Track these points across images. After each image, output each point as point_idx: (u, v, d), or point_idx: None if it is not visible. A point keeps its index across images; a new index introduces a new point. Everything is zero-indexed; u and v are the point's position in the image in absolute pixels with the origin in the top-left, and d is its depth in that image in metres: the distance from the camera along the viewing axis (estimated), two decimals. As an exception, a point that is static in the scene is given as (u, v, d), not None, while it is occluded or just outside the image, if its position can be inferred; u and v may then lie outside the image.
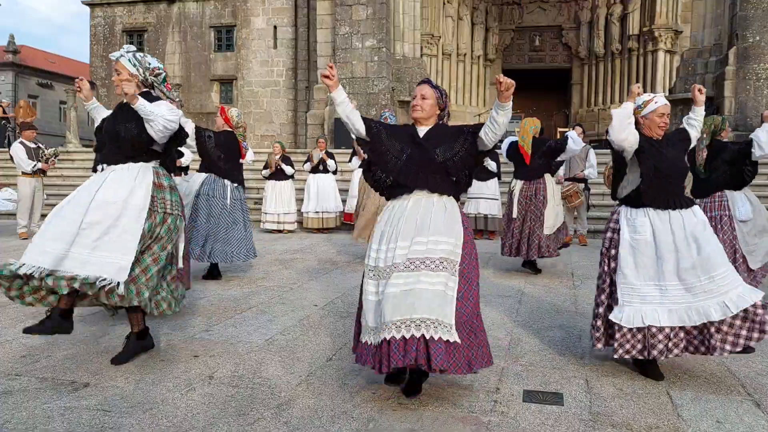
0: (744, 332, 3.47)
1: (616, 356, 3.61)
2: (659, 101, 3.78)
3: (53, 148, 10.54)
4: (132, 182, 3.69)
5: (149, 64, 3.88)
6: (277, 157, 11.17)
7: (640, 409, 3.18)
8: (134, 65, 3.82)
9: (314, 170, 11.44)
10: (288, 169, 11.21)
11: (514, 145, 7.01)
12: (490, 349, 3.33)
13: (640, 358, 3.62)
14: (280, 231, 11.27)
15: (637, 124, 3.71)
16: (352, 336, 4.20)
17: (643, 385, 3.51)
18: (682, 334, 3.59)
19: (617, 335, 3.60)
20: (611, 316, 3.66)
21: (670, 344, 3.55)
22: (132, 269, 3.56)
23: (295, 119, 21.65)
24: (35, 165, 9.83)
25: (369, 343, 3.16)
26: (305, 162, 11.76)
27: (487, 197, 10.45)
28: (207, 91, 23.51)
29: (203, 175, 6.44)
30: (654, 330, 3.54)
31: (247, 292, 5.99)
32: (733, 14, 15.01)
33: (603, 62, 21.87)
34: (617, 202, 3.94)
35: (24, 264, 3.55)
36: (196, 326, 4.66)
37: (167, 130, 3.74)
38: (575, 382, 3.56)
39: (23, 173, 9.93)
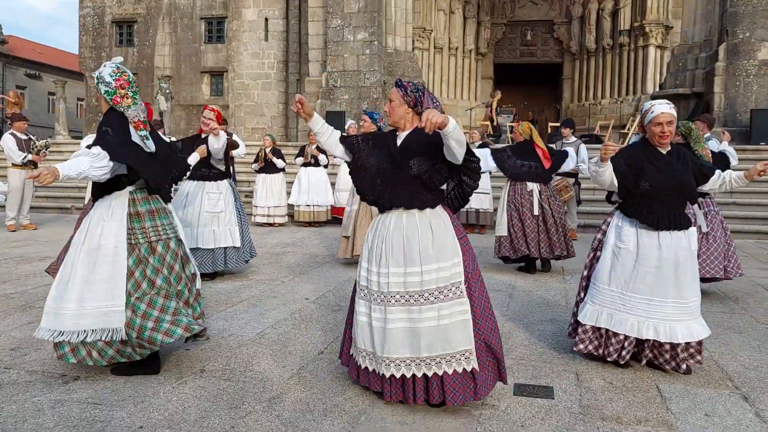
0: (680, 357, 3.60)
1: (575, 349, 3.76)
2: (656, 109, 3.49)
3: (44, 140, 10.45)
4: (104, 221, 3.39)
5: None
6: (268, 149, 11.13)
7: (630, 402, 3.21)
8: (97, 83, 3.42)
9: (306, 164, 11.42)
10: (279, 163, 11.17)
11: (503, 153, 6.88)
12: (501, 365, 3.09)
13: (596, 355, 3.75)
14: (270, 224, 11.25)
15: (645, 131, 3.60)
16: (341, 341, 4.22)
17: (633, 379, 3.54)
18: (636, 344, 3.70)
19: (579, 330, 3.78)
20: (577, 312, 3.84)
21: (623, 351, 3.63)
22: (133, 320, 3.29)
23: (286, 112, 21.56)
24: (25, 157, 9.74)
25: (362, 366, 3.11)
26: (297, 156, 11.72)
27: (479, 192, 10.47)
28: (197, 83, 23.37)
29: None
30: (610, 333, 3.65)
31: (238, 285, 5.98)
32: (724, 10, 15.07)
33: (594, 57, 21.91)
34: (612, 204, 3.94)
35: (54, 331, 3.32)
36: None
37: (106, 175, 3.30)
38: (565, 375, 3.58)
39: (13, 165, 9.84)
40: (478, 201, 10.46)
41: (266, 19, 21.68)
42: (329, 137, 3.28)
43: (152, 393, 3.19)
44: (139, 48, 23.73)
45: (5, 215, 10.07)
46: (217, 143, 5.93)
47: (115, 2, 23.74)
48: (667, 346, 3.59)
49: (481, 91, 23.15)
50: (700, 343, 3.63)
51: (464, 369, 2.94)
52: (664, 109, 3.47)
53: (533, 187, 6.84)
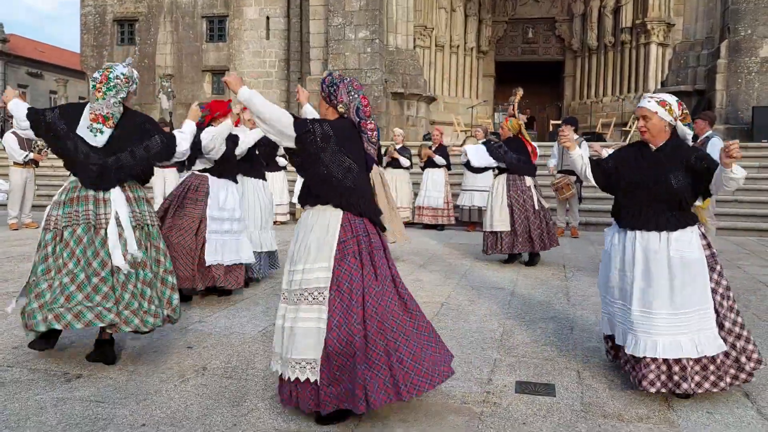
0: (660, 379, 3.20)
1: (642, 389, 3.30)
2: (640, 103, 3.40)
3: None
4: None
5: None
6: (270, 148, 11.12)
7: (632, 400, 3.21)
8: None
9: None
10: (281, 161, 11.18)
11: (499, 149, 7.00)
12: (396, 381, 2.74)
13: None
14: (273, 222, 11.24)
15: None
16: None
17: (634, 376, 3.54)
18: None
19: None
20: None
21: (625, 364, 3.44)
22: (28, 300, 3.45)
23: (287, 110, 21.59)
24: (27, 155, 9.76)
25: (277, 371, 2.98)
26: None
27: (481, 189, 10.46)
28: (199, 82, 23.37)
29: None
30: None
31: (240, 283, 5.98)
32: (725, 7, 15.05)
33: (596, 55, 21.88)
34: None
35: None
36: (190, 318, 4.65)
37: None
38: (567, 373, 3.58)
39: (15, 163, 9.85)
40: (481, 199, 10.45)
41: (267, 18, 21.67)
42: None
43: (154, 391, 3.20)
44: (140, 47, 23.73)
45: (7, 214, 10.09)
46: (248, 136, 5.78)
47: (117, 1, 23.74)
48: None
49: (483, 89, 23.12)
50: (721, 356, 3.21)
51: (307, 378, 2.79)
52: (642, 103, 3.35)
53: (531, 182, 7.04)
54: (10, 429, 2.74)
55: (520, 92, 7.73)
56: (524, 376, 3.53)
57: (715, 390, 3.18)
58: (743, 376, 3.24)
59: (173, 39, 23.32)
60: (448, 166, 10.80)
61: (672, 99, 3.35)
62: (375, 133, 3.05)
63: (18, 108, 3.69)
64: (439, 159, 10.60)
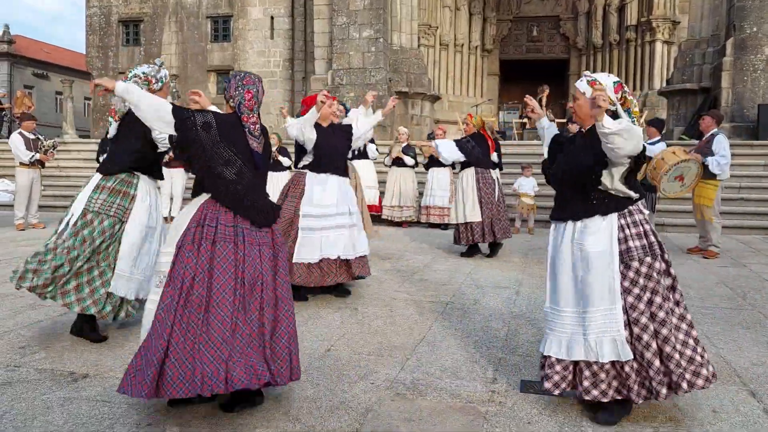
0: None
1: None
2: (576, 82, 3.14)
3: (52, 140, 10.50)
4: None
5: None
6: (274, 148, 11.14)
7: (637, 399, 3.20)
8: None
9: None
10: (285, 161, 11.19)
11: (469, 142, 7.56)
12: (162, 377, 2.68)
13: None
14: (277, 222, 11.26)
15: None
16: (351, 327, 4.26)
17: (640, 376, 3.53)
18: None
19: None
20: None
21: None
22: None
23: (291, 110, 21.59)
24: (33, 156, 9.80)
25: None
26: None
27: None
28: (204, 82, 23.41)
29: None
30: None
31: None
32: (731, 5, 14.98)
33: (601, 53, 21.84)
34: None
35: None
36: (195, 317, 4.66)
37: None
38: (572, 372, 3.58)
39: (21, 164, 9.90)
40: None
41: (272, 18, 21.70)
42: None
43: (160, 390, 3.21)
44: (145, 47, 23.79)
45: (14, 214, 10.13)
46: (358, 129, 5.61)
47: (122, 2, 23.81)
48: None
49: (487, 87, 23.10)
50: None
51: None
52: (579, 81, 3.09)
53: (496, 174, 7.69)
54: (16, 428, 2.76)
55: (547, 90, 8.08)
56: (529, 375, 3.53)
57: (634, 400, 2.84)
58: (664, 391, 2.80)
59: (178, 39, 23.37)
60: (453, 165, 10.78)
61: (608, 80, 2.99)
62: (257, 126, 3.07)
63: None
64: (445, 158, 10.57)
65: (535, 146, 15.05)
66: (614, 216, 2.92)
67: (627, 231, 2.91)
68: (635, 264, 2.86)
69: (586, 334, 2.87)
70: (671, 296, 2.96)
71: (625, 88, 3.00)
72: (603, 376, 2.86)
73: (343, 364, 3.64)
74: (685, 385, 2.83)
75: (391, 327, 4.48)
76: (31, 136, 9.94)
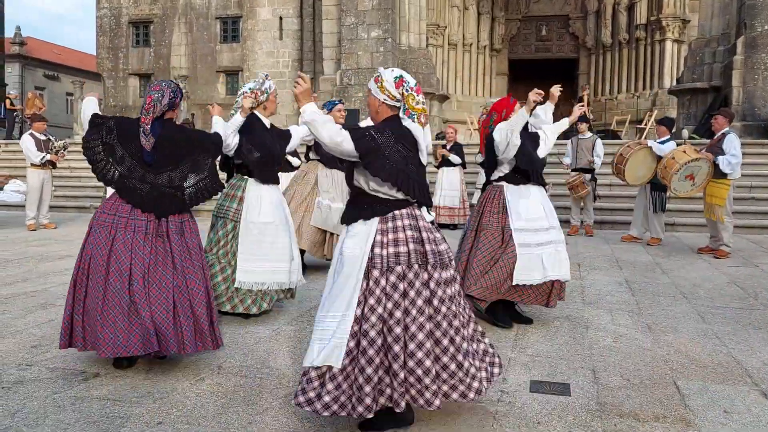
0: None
1: None
2: None
3: (63, 141, 10.58)
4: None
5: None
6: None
7: (648, 399, 3.19)
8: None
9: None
10: (294, 161, 11.20)
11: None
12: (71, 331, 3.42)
13: None
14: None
15: None
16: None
17: (651, 376, 3.52)
18: None
19: None
20: None
21: None
22: None
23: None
24: (44, 157, 9.87)
25: None
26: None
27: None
28: (213, 83, 23.51)
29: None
30: None
31: (254, 283, 6.01)
32: (741, 3, 14.87)
33: (610, 52, 21.75)
34: None
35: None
36: (205, 317, 4.68)
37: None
38: (582, 372, 3.57)
39: (32, 165, 9.97)
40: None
41: (281, 18, 21.76)
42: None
43: (170, 389, 3.23)
44: (155, 48, 23.91)
45: (25, 215, 10.21)
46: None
47: (132, 3, 23.94)
48: None
49: (496, 87, 23.06)
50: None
51: None
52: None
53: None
54: (29, 427, 2.78)
55: (587, 90, 7.93)
56: (539, 375, 3.52)
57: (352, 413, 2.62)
58: (403, 403, 2.64)
59: (187, 40, 23.48)
60: (464, 165, 10.77)
61: (388, 75, 2.77)
62: (147, 126, 3.40)
63: (217, 123, 4.42)
64: (454, 158, 10.56)
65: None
66: (376, 220, 2.71)
67: (381, 237, 2.68)
68: (375, 273, 2.65)
69: (327, 340, 2.66)
70: (426, 309, 2.68)
71: (408, 84, 2.75)
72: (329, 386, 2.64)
73: (352, 364, 3.64)
74: (427, 398, 2.65)
75: (400, 327, 4.48)
76: (42, 137, 10.02)
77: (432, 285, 2.70)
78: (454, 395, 2.72)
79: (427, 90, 18.34)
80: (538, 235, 4.42)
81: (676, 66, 19.53)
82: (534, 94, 4.26)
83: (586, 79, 22.59)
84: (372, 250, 2.66)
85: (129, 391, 3.19)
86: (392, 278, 2.64)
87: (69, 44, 77.11)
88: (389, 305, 2.63)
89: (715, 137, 7.88)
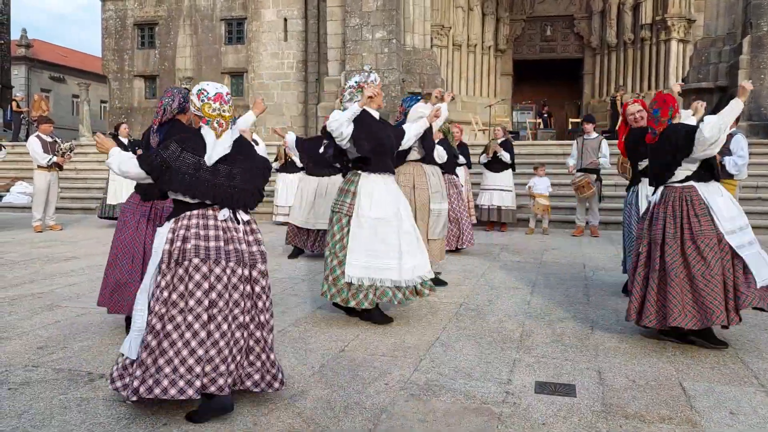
0: None
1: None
2: None
3: (69, 143, 10.63)
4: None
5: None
6: (287, 148, 11.15)
7: (653, 400, 3.18)
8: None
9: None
10: (299, 161, 11.21)
11: None
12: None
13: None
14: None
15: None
16: (365, 328, 4.27)
17: (656, 377, 3.51)
18: None
19: None
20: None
21: None
22: None
23: (305, 112, 21.66)
24: (51, 159, 9.91)
25: None
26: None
27: (500, 188, 10.43)
28: (218, 84, 23.54)
29: None
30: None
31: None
32: (747, 3, 14.83)
33: (615, 52, 21.68)
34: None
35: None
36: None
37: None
38: (588, 373, 3.56)
39: (39, 167, 10.01)
40: (500, 198, 10.42)
41: (285, 20, 21.78)
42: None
43: (176, 390, 3.23)
44: (160, 50, 23.97)
45: (32, 216, 10.25)
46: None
47: (137, 5, 24.01)
48: None
49: (501, 87, 23.03)
50: None
51: None
52: None
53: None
54: (35, 428, 2.79)
55: (623, 90, 7.93)
56: (544, 376, 3.51)
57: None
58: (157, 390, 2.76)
59: (192, 42, 23.53)
60: (469, 165, 10.76)
61: (194, 89, 3.08)
62: (155, 126, 3.89)
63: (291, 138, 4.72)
64: (459, 158, 10.56)
65: (549, 146, 14.98)
66: (171, 221, 3.00)
67: (171, 235, 2.95)
68: (163, 267, 2.91)
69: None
70: (187, 301, 2.84)
71: (207, 93, 3.02)
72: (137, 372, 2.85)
73: (357, 365, 3.65)
74: (172, 391, 2.76)
75: (404, 328, 4.48)
76: (49, 139, 10.06)
77: (212, 279, 2.89)
78: (212, 388, 2.82)
79: (431, 91, 18.31)
80: (745, 235, 4.10)
81: (681, 66, 19.46)
82: (748, 84, 4.02)
83: (591, 80, 22.54)
84: (163, 246, 2.93)
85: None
86: (180, 271, 2.88)
87: (75, 46, 77.34)
88: (174, 296, 2.86)
89: (722, 137, 7.84)
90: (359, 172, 4.59)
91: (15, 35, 34.30)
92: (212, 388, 2.81)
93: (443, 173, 6.02)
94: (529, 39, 23.39)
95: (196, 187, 2.91)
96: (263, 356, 3.01)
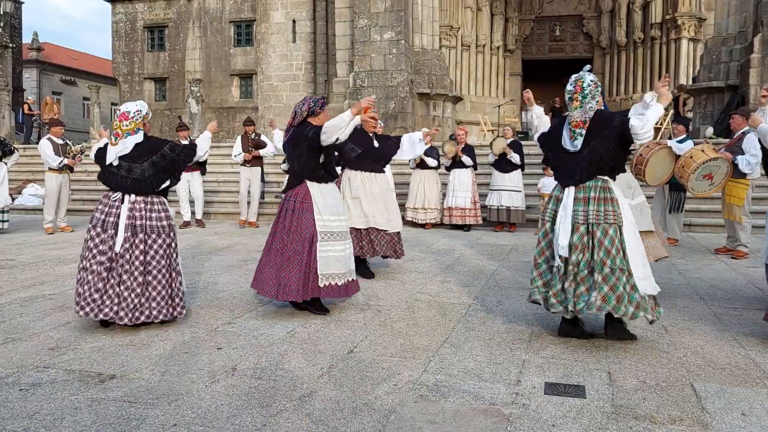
0: None
1: None
2: None
3: (80, 145, 10.71)
4: None
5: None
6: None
7: (664, 401, 3.16)
8: None
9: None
10: (284, 166, 11.22)
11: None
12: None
13: None
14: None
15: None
16: (374, 329, 4.28)
17: (667, 378, 3.48)
18: None
19: None
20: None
21: None
22: None
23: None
24: (62, 161, 9.98)
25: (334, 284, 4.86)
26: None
27: (510, 189, 10.41)
28: (227, 86, 23.65)
29: None
30: None
31: (268, 285, 6.04)
32: (758, 1, 14.70)
33: (625, 51, 21.58)
34: None
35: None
36: (220, 319, 4.71)
37: None
38: (597, 374, 3.54)
39: (50, 169, 10.09)
40: (510, 199, 10.40)
41: (294, 21, 21.85)
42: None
43: (186, 391, 3.25)
44: (170, 52, 24.11)
45: (43, 218, 10.33)
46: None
47: (147, 8, 24.16)
48: None
49: (509, 88, 22.97)
50: None
51: None
52: None
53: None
54: (46, 428, 2.81)
55: (685, 89, 7.76)
56: (553, 377, 3.50)
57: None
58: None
59: (202, 44, 23.65)
60: (475, 166, 10.76)
61: None
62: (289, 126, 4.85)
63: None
64: (466, 159, 10.56)
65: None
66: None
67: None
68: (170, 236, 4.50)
69: None
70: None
71: (118, 112, 4.66)
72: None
73: (366, 366, 3.65)
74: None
75: (413, 328, 4.48)
76: (60, 142, 10.13)
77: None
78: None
79: (439, 91, 18.31)
80: None
81: (692, 65, 19.34)
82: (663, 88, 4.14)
83: (601, 79, 22.43)
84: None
85: (144, 393, 3.22)
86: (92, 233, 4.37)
87: (86, 49, 77.83)
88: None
89: (735, 136, 7.79)
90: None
91: (26, 39, 34.61)
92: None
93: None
94: (538, 39, 23.33)
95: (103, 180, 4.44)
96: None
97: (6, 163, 10.23)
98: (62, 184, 10.18)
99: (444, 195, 10.94)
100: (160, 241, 4.36)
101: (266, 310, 5.01)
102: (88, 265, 4.27)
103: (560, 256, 3.95)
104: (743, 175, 7.46)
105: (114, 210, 4.32)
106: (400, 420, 2.92)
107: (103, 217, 4.33)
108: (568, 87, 4.10)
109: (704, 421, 2.94)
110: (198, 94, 18.25)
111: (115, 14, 24.54)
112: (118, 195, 4.32)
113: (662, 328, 4.48)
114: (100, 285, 4.22)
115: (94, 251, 4.28)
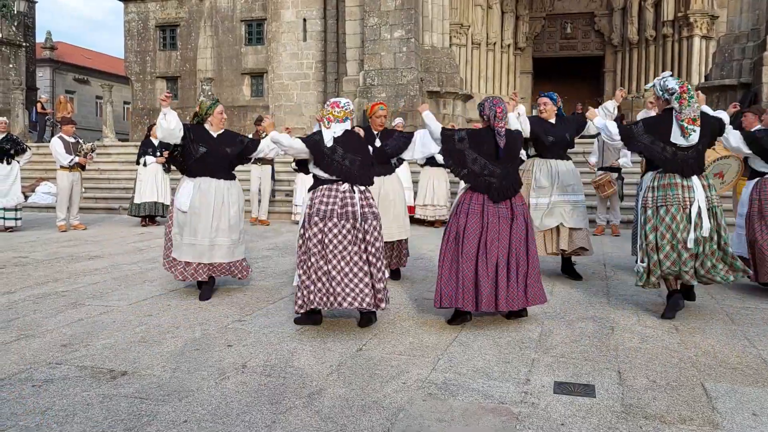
0: None
1: None
2: None
3: (91, 143, 10.79)
4: None
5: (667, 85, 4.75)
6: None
7: (674, 401, 3.15)
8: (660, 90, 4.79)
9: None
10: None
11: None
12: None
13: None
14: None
15: None
16: (383, 327, 4.29)
17: (677, 377, 3.47)
18: None
19: None
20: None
21: None
22: None
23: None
24: (73, 159, 10.07)
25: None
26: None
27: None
28: (238, 85, 23.73)
29: None
30: None
31: (279, 282, 6.07)
32: (773, -3, 14.58)
33: (637, 49, 21.45)
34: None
35: None
36: (230, 316, 4.74)
37: None
38: (607, 373, 3.53)
39: (62, 167, 10.17)
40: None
41: (304, 20, 21.88)
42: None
43: (196, 388, 3.27)
44: (181, 51, 24.22)
45: (56, 216, 10.42)
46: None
47: (159, 7, 24.28)
48: None
49: (520, 85, 22.90)
50: None
51: None
52: None
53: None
54: (58, 424, 2.84)
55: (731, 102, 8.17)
56: (563, 376, 3.49)
57: None
58: None
59: (213, 43, 23.73)
60: None
61: None
62: (503, 130, 4.59)
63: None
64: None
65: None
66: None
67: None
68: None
69: None
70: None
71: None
72: None
73: (375, 364, 3.66)
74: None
75: (422, 327, 4.48)
76: (71, 140, 10.22)
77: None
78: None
79: (450, 90, 18.28)
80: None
81: (704, 63, 19.19)
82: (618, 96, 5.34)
83: (612, 77, 22.30)
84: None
85: (155, 390, 3.24)
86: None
87: (98, 48, 78.38)
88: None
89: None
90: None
91: (40, 38, 34.89)
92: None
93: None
94: (549, 36, 23.24)
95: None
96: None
97: (19, 162, 10.33)
98: (74, 182, 10.26)
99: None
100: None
101: (276, 308, 5.03)
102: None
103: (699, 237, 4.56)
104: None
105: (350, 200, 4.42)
106: (409, 418, 2.93)
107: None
108: (670, 85, 4.63)
109: (715, 420, 2.93)
110: (209, 93, 18.34)
111: (128, 13, 24.68)
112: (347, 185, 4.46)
113: (673, 328, 4.46)
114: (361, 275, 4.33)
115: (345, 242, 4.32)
